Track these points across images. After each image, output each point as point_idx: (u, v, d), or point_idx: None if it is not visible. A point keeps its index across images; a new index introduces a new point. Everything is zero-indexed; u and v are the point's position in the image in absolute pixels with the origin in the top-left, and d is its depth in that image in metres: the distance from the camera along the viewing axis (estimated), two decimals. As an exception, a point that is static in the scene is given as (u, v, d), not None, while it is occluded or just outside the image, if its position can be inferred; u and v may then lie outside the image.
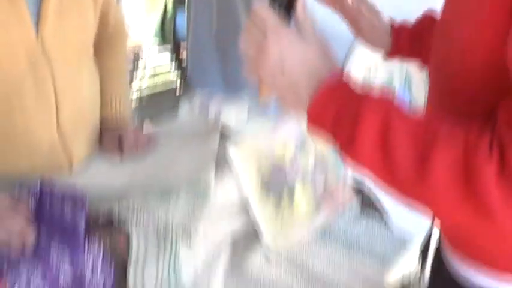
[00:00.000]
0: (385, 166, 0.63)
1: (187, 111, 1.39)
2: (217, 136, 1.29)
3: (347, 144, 0.66)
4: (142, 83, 3.93)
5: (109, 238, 1.00)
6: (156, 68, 4.05)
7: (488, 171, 0.57)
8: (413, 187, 0.63)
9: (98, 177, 1.19)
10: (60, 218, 0.99)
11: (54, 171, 1.18)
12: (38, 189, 1.06)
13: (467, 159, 0.59)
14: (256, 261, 1.16)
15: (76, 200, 1.04)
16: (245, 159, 1.17)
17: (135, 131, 1.34)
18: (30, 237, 0.95)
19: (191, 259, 1.09)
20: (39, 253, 0.91)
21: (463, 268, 0.82)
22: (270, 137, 1.22)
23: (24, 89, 1.12)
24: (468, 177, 0.58)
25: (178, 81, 3.76)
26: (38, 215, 1.03)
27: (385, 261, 1.19)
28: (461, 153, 0.59)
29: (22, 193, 1.06)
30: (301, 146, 1.28)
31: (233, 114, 1.29)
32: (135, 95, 3.74)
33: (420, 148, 0.61)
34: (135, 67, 3.89)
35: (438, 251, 0.92)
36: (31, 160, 1.18)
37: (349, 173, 1.36)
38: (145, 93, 3.90)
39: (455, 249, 0.83)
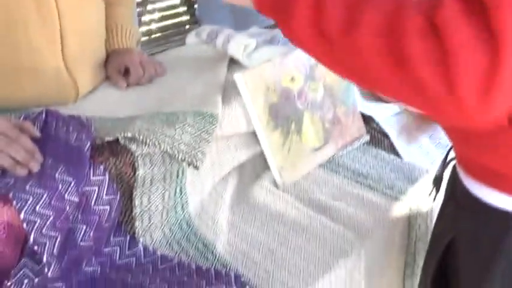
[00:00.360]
0: (319, 39, 0.67)
1: (194, 40, 1.36)
2: (225, 65, 1.26)
3: (284, 22, 0.70)
4: (151, 25, 3.86)
5: (115, 163, 0.99)
6: (165, 10, 3.97)
7: (412, 25, 0.59)
8: (342, 50, 0.66)
9: (103, 104, 1.17)
10: (66, 143, 0.98)
11: (60, 100, 1.17)
12: (43, 116, 1.05)
13: (394, 15, 0.61)
14: (262, 192, 1.15)
15: (81, 125, 1.02)
16: (253, 89, 1.14)
17: (142, 58, 1.31)
18: (37, 160, 0.93)
19: (198, 187, 1.08)
20: (44, 179, 0.90)
21: (478, 190, 0.81)
22: (278, 67, 1.20)
23: (28, 16, 1.10)
24: (392, 30, 0.60)
25: (188, 21, 3.70)
26: (42, 140, 1.01)
27: (393, 193, 1.18)
28: (389, 11, 0.61)
29: (27, 119, 1.05)
30: (310, 77, 1.25)
31: (241, 43, 1.26)
32: (143, 38, 3.68)
33: (351, 12, 0.64)
34: (144, 11, 3.82)
35: (452, 180, 0.91)
36: (37, 90, 1.16)
37: (358, 105, 1.34)
38: (154, 35, 3.84)
39: (469, 174, 0.82)
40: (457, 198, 0.87)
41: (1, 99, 1.14)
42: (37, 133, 0.98)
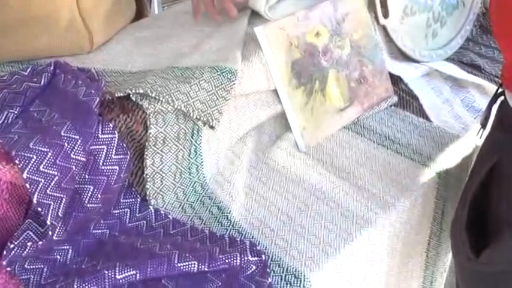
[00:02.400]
0: None
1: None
2: (246, 18, 1.18)
3: None
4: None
5: (125, 121, 0.93)
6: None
7: None
8: None
9: (116, 56, 1.10)
10: (74, 98, 0.92)
11: (73, 51, 1.10)
12: (51, 68, 0.98)
13: None
14: (283, 155, 1.08)
15: (91, 79, 0.96)
16: (275, 44, 1.07)
17: None
18: None
19: (213, 147, 1.02)
20: (50, 136, 0.84)
21: None
22: (302, 21, 1.11)
23: None
24: None
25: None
26: (49, 94, 0.95)
27: (421, 159, 1.11)
28: None
29: (35, 71, 0.99)
30: (337, 33, 1.17)
31: (264, -5, 1.17)
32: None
33: None
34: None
35: (499, 112, 0.96)
36: (50, 41, 1.10)
37: (386, 65, 1.25)
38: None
39: None
40: (504, 125, 0.91)
41: (14, 50, 1.08)
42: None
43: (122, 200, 0.95)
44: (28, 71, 0.99)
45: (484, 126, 1.03)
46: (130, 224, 0.94)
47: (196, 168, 1.00)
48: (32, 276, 0.84)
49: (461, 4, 1.41)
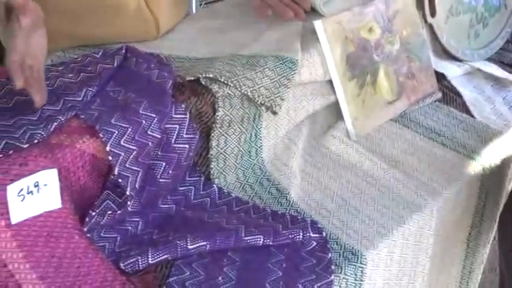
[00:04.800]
0: None
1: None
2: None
3: None
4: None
5: (195, 103, 0.99)
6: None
7: None
8: None
9: (181, 43, 1.16)
10: (148, 79, 0.98)
11: (140, 38, 1.16)
12: (123, 51, 1.04)
13: None
14: (335, 142, 1.14)
15: (162, 63, 1.02)
16: (331, 37, 1.12)
17: None
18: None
19: (272, 132, 1.08)
20: (129, 113, 0.90)
21: None
22: (357, 16, 1.17)
23: None
24: None
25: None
26: (123, 75, 1.01)
27: (466, 151, 1.16)
28: None
29: (106, 54, 1.05)
30: (388, 29, 1.22)
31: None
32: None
33: None
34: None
35: None
36: (118, 28, 1.15)
37: (432, 61, 1.31)
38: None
39: None
40: None
41: (82, 35, 1.14)
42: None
43: (187, 178, 1.01)
44: (100, 54, 1.05)
45: None
46: (195, 201, 1.00)
47: (256, 151, 1.05)
48: (107, 244, 0.90)
49: (503, 6, 1.46)
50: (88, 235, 0.87)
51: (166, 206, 0.98)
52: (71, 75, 1.01)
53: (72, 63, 1.04)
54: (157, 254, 0.87)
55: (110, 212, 0.87)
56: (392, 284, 1.02)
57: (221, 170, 1.01)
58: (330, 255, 0.90)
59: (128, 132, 0.88)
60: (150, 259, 0.86)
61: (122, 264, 0.86)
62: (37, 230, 0.84)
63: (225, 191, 1.00)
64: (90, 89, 0.96)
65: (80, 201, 0.90)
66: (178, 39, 1.19)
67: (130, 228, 0.93)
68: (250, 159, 1.04)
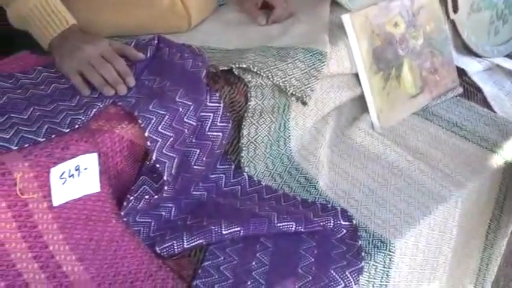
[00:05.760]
0: None
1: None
2: (328, 6, 1.26)
3: None
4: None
5: (229, 92, 1.01)
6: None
7: None
8: None
9: (211, 35, 1.18)
10: (182, 68, 0.99)
11: (172, 30, 1.18)
12: (155, 41, 1.06)
13: None
14: (361, 134, 1.16)
15: (194, 53, 1.03)
16: (359, 31, 1.14)
17: None
18: (128, 83, 0.95)
19: (300, 123, 1.10)
20: (166, 101, 0.91)
21: None
22: (384, 11, 1.19)
23: None
24: None
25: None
26: (156, 64, 1.03)
27: (488, 145, 1.18)
28: None
29: (138, 45, 1.07)
30: (412, 24, 1.24)
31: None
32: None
33: None
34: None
35: None
36: (151, 19, 1.17)
37: (456, 56, 1.33)
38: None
39: None
40: None
41: (116, 26, 1.15)
42: (141, 56, 0.99)
43: (218, 166, 1.03)
44: (132, 44, 1.07)
45: None
46: (226, 188, 1.02)
47: (284, 141, 1.08)
48: (142, 228, 0.93)
49: (523, 4, 1.48)
50: (125, 219, 0.90)
51: (198, 193, 1.00)
52: (106, 63, 1.03)
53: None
54: (192, 239, 0.89)
55: (147, 197, 0.89)
56: (415, 274, 1.04)
57: (251, 159, 1.03)
58: (359, 242, 0.92)
59: (165, 119, 0.90)
60: (185, 243, 0.88)
61: (157, 248, 0.89)
62: (76, 213, 0.87)
63: (255, 179, 1.03)
64: (125, 77, 0.98)
65: (116, 186, 0.92)
66: (207, 31, 1.21)
67: (163, 213, 0.96)
68: (279, 149, 1.06)
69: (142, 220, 0.93)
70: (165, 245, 0.89)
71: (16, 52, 1.08)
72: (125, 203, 0.89)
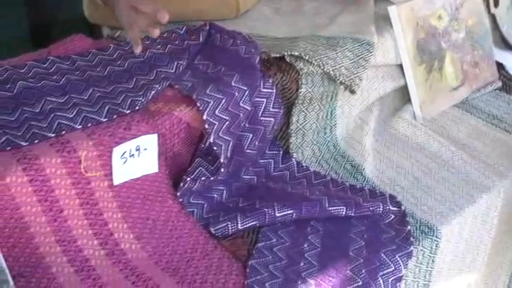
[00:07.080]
0: None
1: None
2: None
3: None
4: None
5: (281, 78, 1.03)
6: None
7: None
8: None
9: (259, 23, 1.21)
10: (236, 54, 1.01)
11: (221, 17, 1.20)
12: (207, 27, 1.08)
13: None
14: (404, 124, 1.18)
15: (246, 40, 1.05)
16: (404, 22, 1.16)
17: None
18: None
19: (346, 111, 1.12)
20: (222, 85, 0.93)
21: None
22: (428, 4, 1.21)
23: None
24: None
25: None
26: (209, 49, 1.05)
27: (528, 139, 1.20)
28: None
29: (189, 31, 1.09)
30: (455, 17, 1.26)
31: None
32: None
33: None
34: None
35: None
36: (200, 6, 1.19)
37: (494, 51, 1.34)
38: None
39: None
40: None
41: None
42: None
43: (267, 151, 1.05)
44: (183, 30, 1.10)
45: None
46: (275, 173, 1.04)
47: (330, 128, 1.10)
48: (196, 210, 0.95)
49: (561, 0, 1.49)
50: (180, 200, 0.92)
51: (248, 176, 1.02)
52: (159, 46, 1.05)
53: (157, 38, 1.08)
54: (246, 220, 0.91)
55: (203, 178, 0.91)
56: (457, 261, 1.06)
57: (299, 145, 1.05)
58: (408, 227, 0.94)
59: (222, 103, 0.92)
60: (239, 225, 0.91)
61: (212, 229, 0.91)
62: (135, 193, 0.89)
63: (303, 164, 1.05)
64: (180, 62, 1.01)
65: (172, 168, 0.95)
66: (255, 19, 1.23)
67: (215, 196, 0.98)
68: (325, 136, 1.09)
69: (195, 201, 0.95)
70: (219, 226, 0.91)
71: (52, 43, 1.10)
72: (181, 184, 0.91)
